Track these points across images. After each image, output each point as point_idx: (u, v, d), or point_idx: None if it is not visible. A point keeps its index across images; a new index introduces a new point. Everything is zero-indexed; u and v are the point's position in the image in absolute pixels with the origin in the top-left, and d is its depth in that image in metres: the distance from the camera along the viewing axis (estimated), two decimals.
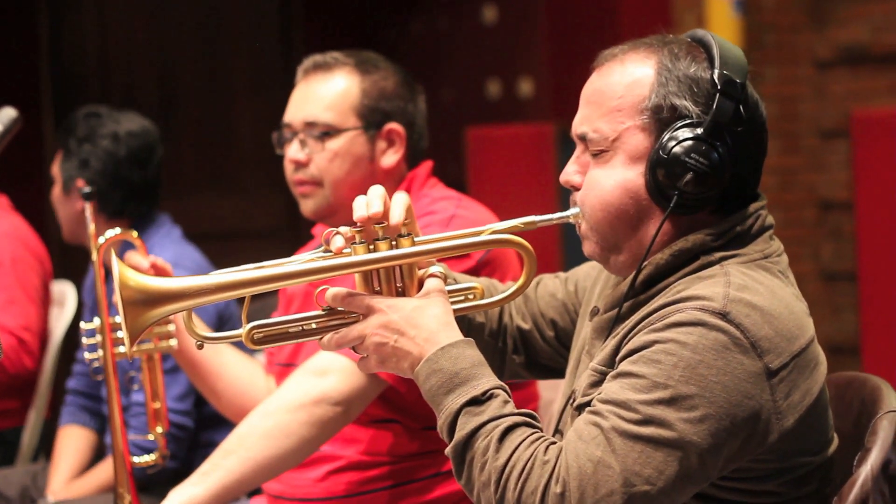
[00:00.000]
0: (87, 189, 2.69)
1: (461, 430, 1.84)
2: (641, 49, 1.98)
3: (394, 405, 2.62)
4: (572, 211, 1.99)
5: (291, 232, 6.86)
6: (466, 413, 1.84)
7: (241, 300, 1.94)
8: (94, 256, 2.58)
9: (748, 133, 1.94)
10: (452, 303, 1.96)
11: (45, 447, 3.97)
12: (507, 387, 1.88)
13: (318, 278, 1.91)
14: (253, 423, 2.50)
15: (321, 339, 1.95)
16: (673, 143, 1.91)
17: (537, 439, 1.82)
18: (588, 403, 1.88)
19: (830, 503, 1.92)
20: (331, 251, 1.93)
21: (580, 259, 2.16)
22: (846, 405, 2.09)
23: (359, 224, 1.92)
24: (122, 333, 2.06)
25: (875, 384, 2.07)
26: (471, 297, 2.04)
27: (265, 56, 7.35)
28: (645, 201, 1.94)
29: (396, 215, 1.92)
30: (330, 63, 2.78)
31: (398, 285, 1.94)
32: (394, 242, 1.92)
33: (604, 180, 1.95)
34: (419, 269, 1.96)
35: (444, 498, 2.64)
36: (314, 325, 1.96)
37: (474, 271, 2.55)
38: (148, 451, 2.73)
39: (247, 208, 7.29)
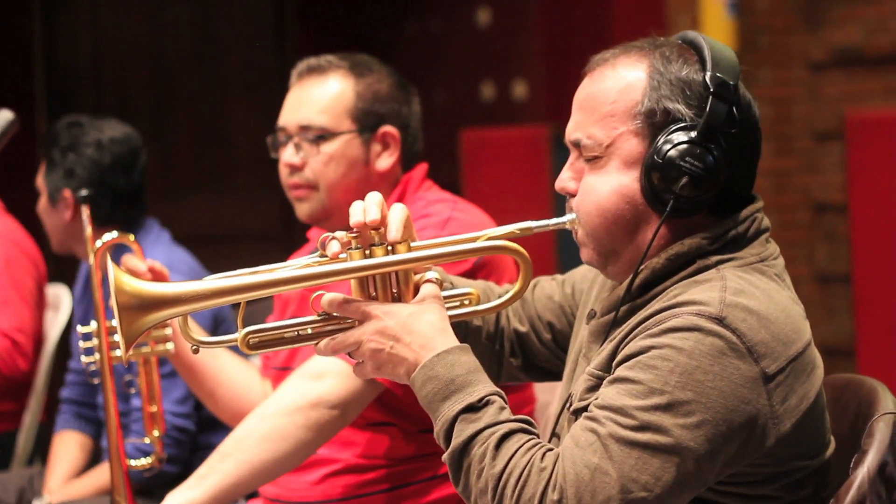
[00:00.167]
0: (83, 192, 2.70)
1: (458, 437, 1.84)
2: (632, 53, 1.97)
3: (390, 408, 2.62)
4: (568, 217, 1.99)
5: (286, 235, 6.85)
6: (463, 420, 1.84)
7: (236, 304, 1.94)
8: (91, 260, 2.58)
9: (742, 134, 1.94)
10: (448, 308, 1.97)
11: (40, 451, 3.97)
12: (503, 393, 1.88)
13: (313, 284, 1.91)
14: (250, 427, 2.50)
15: (317, 344, 1.95)
16: (668, 146, 1.90)
17: (534, 446, 1.82)
18: (585, 408, 1.88)
19: None
20: (326, 256, 1.93)
21: (575, 263, 2.16)
22: (843, 407, 2.09)
23: (355, 230, 1.93)
24: (118, 337, 2.06)
25: (871, 386, 2.07)
26: (466, 302, 2.05)
27: (259, 58, 7.35)
28: (641, 206, 1.93)
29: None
30: (324, 66, 2.78)
31: (394, 291, 1.94)
32: (390, 248, 1.92)
33: (599, 186, 1.95)
34: (415, 274, 1.96)
35: (441, 501, 2.64)
36: (310, 331, 1.96)
37: (470, 274, 2.55)
38: (147, 454, 2.73)
39: (241, 211, 7.29)
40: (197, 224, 6.74)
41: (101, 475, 3.43)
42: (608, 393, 1.83)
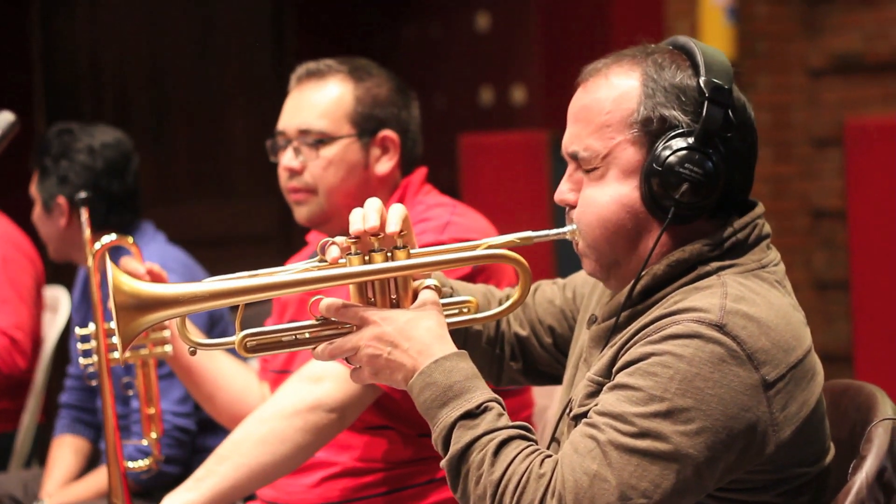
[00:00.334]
0: (82, 195, 2.70)
1: (456, 444, 1.83)
2: (625, 61, 1.97)
3: (388, 412, 2.62)
4: (569, 228, 1.99)
5: (284, 238, 6.85)
6: (461, 426, 1.84)
7: (234, 307, 1.94)
8: (90, 262, 2.58)
9: (739, 137, 1.93)
10: (447, 316, 1.96)
11: (38, 453, 3.97)
12: (501, 399, 1.88)
13: (312, 288, 1.91)
14: (248, 429, 2.50)
15: (314, 349, 1.94)
16: (666, 153, 1.90)
17: (532, 452, 1.82)
18: (585, 414, 1.88)
19: None
20: (325, 261, 1.93)
21: (574, 269, 2.16)
22: (841, 413, 2.09)
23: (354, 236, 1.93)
24: (116, 339, 2.07)
25: (870, 392, 2.07)
26: (465, 310, 2.04)
27: (258, 62, 7.35)
28: (642, 215, 1.93)
29: (393, 224, 1.92)
30: (323, 70, 2.78)
31: (392, 297, 1.94)
32: (389, 254, 1.92)
33: (599, 197, 1.94)
34: (414, 280, 1.96)
35: None
36: (307, 335, 1.95)
37: (470, 277, 2.55)
38: (146, 455, 2.73)
39: (240, 214, 7.28)
40: (195, 227, 6.74)
41: (99, 478, 3.43)
42: (608, 399, 1.83)
